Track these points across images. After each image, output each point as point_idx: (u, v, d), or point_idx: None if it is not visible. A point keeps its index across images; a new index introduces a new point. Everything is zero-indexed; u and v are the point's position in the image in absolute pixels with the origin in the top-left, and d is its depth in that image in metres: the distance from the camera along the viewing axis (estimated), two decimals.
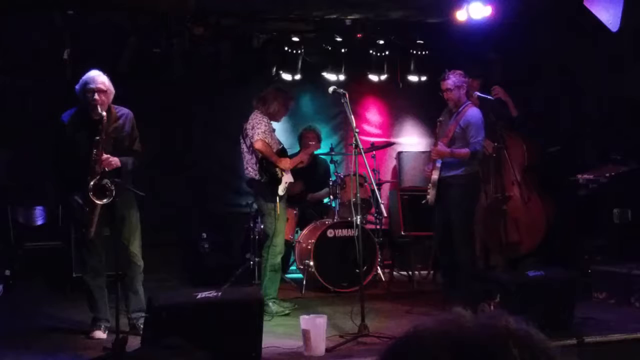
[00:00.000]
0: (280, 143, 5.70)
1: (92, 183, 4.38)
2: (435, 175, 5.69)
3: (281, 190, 5.48)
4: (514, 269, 6.31)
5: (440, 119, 5.82)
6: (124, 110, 4.80)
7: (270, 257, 5.47)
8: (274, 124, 5.71)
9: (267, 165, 5.47)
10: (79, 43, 6.64)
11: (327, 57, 7.88)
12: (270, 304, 5.36)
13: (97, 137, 4.46)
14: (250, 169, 5.56)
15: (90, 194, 4.37)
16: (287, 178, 5.56)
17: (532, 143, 6.72)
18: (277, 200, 5.45)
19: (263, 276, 5.55)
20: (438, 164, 5.71)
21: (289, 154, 5.90)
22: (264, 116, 5.53)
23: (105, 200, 4.38)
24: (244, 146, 5.60)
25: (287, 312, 5.46)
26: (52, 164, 4.85)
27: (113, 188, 4.35)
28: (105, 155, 4.49)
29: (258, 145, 5.38)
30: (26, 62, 6.77)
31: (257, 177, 5.51)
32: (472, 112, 5.64)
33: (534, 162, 6.74)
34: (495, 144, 6.12)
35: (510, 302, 4.38)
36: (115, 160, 4.55)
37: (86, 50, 6.57)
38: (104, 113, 4.50)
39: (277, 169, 5.49)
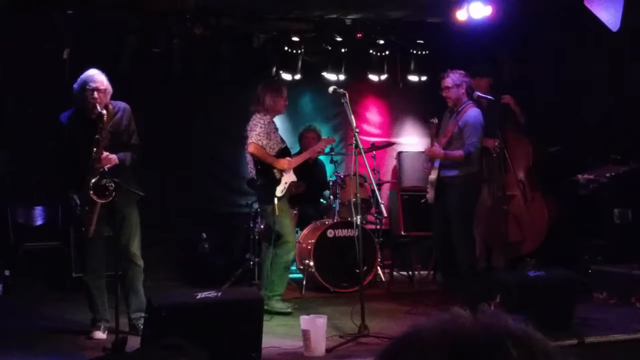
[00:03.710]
0: (283, 142, 5.66)
1: (92, 181, 4.38)
2: (433, 175, 5.69)
3: (279, 191, 5.45)
4: (514, 269, 6.31)
5: (434, 120, 5.81)
6: (121, 105, 4.79)
7: (284, 254, 5.46)
8: (277, 123, 5.69)
9: (264, 167, 5.46)
10: (79, 43, 6.64)
11: (327, 57, 7.88)
12: (274, 301, 5.36)
13: (97, 136, 4.46)
14: (251, 169, 5.56)
15: (91, 192, 4.36)
16: (287, 178, 5.54)
17: (538, 143, 6.71)
18: (276, 201, 5.43)
19: (269, 275, 5.48)
20: (436, 164, 5.71)
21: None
22: (263, 116, 5.49)
23: (105, 200, 4.37)
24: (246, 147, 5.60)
25: (288, 311, 5.45)
26: (51, 164, 4.84)
27: (113, 187, 4.35)
28: (104, 154, 4.49)
29: (251, 149, 5.37)
30: (26, 62, 6.77)
31: (256, 179, 5.52)
32: (471, 113, 5.62)
33: (538, 162, 6.73)
34: (497, 142, 6.12)
35: (510, 302, 4.37)
36: (113, 158, 4.53)
37: (86, 50, 6.57)
38: (104, 111, 4.50)
39: (275, 170, 5.48)
